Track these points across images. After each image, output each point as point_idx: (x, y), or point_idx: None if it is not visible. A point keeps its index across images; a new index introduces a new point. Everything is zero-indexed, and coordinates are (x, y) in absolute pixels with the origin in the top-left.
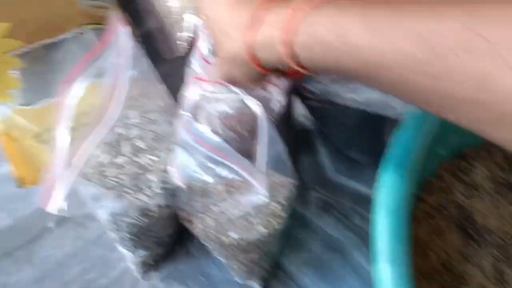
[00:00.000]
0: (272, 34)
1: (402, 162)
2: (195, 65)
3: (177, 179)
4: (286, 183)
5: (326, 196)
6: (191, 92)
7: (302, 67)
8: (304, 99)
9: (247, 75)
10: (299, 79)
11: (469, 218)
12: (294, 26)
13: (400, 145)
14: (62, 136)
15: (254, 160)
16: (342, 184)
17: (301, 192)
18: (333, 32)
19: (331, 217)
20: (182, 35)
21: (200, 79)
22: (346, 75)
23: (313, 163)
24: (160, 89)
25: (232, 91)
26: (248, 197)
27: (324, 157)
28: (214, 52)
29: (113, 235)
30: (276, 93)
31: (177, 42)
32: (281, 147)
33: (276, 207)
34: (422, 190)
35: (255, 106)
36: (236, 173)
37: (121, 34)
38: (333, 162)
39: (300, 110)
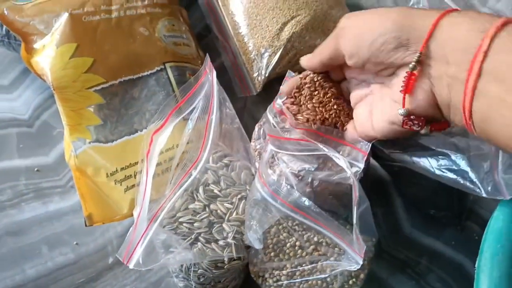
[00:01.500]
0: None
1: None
2: (271, 120)
3: (252, 240)
4: (368, 241)
5: (400, 253)
6: (268, 153)
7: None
8: (378, 159)
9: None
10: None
11: None
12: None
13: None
14: (147, 188)
15: (340, 222)
16: (418, 241)
17: (375, 247)
18: None
19: (405, 276)
20: (257, 75)
21: (276, 136)
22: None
23: (388, 216)
24: (239, 133)
25: (316, 148)
26: (336, 263)
27: (400, 210)
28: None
29: (176, 281)
30: (359, 157)
31: (252, 81)
32: (366, 205)
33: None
34: None
35: (344, 163)
36: (327, 237)
37: (209, 78)
38: (409, 216)
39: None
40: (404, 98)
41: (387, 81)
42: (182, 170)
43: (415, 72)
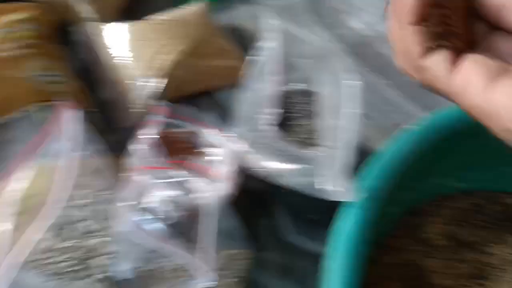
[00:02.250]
0: None
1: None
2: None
3: (119, 271)
4: (242, 254)
5: (285, 260)
6: (134, 181)
7: None
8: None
9: None
10: None
11: (424, 278)
12: None
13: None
14: (3, 224)
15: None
16: (301, 246)
17: (259, 258)
18: None
19: (291, 282)
20: (134, 104)
21: (146, 167)
22: None
23: (270, 226)
24: (108, 168)
25: (179, 175)
26: (196, 281)
27: (281, 218)
28: None
29: None
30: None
31: (130, 111)
32: (232, 221)
33: (232, 281)
34: (377, 251)
35: (200, 186)
36: (182, 258)
37: (70, 117)
38: (291, 224)
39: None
40: None
41: None
42: (45, 211)
43: None
